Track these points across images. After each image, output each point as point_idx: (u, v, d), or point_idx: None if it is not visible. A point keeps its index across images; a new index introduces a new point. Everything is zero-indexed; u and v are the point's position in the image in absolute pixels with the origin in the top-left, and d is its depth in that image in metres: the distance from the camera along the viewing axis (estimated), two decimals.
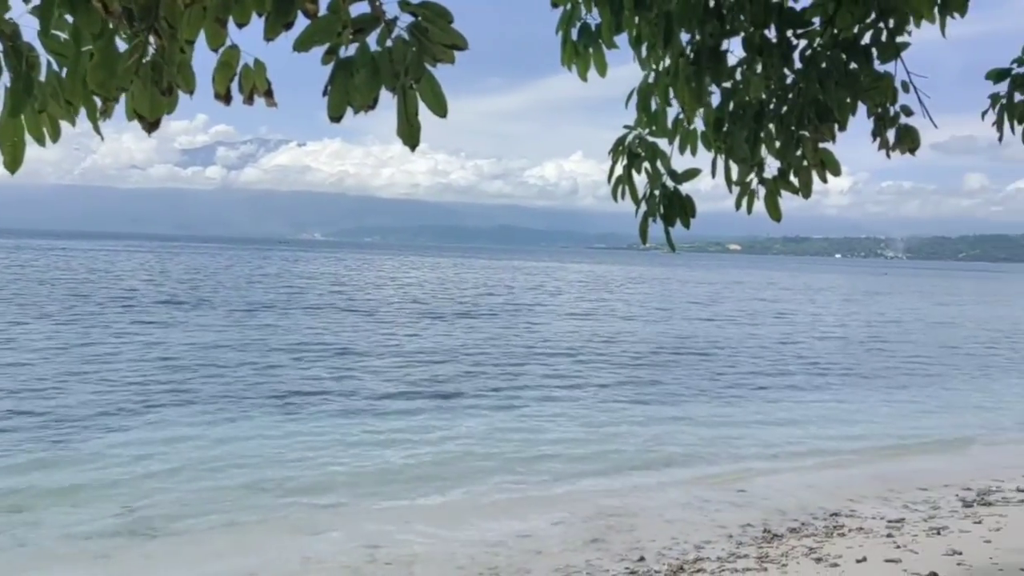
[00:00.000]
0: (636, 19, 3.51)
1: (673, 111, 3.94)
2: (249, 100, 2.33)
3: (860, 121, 3.95)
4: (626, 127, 3.80)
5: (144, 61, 2.13)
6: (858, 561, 8.01)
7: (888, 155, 3.69)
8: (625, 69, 3.95)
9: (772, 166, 3.98)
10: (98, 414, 14.47)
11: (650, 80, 3.83)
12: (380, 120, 2.57)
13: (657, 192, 3.71)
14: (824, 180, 3.90)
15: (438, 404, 16.48)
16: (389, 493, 10.71)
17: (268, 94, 2.36)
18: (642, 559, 8.27)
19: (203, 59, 2.55)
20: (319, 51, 2.40)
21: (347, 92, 2.33)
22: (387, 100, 2.57)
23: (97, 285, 46.28)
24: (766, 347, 28.65)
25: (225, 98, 2.31)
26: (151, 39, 2.12)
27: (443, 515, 9.90)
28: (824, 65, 3.54)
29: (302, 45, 2.29)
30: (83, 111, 2.71)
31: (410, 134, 2.46)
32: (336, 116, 2.32)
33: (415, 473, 11.62)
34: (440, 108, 2.50)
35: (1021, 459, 13.22)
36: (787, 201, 4.06)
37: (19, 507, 9.74)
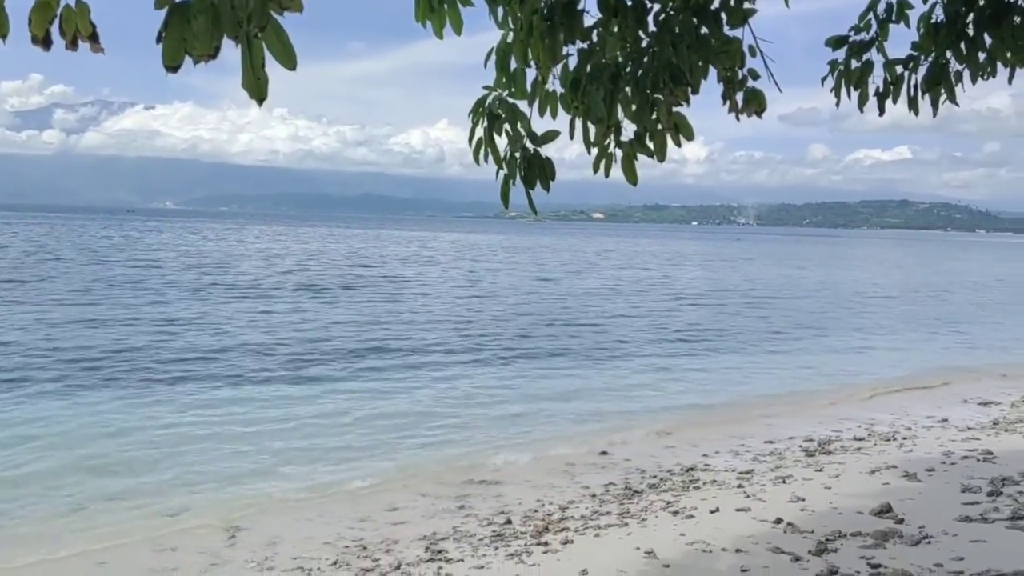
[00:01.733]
0: None
1: (533, 72, 3.93)
2: (72, 45, 2.13)
3: (715, 91, 4.05)
4: (486, 88, 3.76)
5: None
6: (712, 512, 8.43)
7: (737, 118, 3.82)
8: (490, 34, 3.91)
9: (628, 130, 4.05)
10: None
11: (508, 40, 3.79)
12: (236, 82, 2.41)
13: (517, 155, 3.70)
14: (678, 144, 4.00)
15: (306, 380, 16.08)
16: (251, 473, 10.38)
17: (93, 38, 2.16)
18: (508, 522, 8.40)
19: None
20: None
21: (184, 40, 2.18)
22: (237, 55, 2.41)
23: None
24: (635, 315, 29.50)
25: (44, 42, 2.10)
26: None
27: (309, 492, 9.70)
28: (677, 29, 3.61)
29: None
30: None
31: (257, 87, 2.33)
32: (172, 66, 2.16)
33: (280, 451, 11.31)
34: (288, 60, 2.37)
35: (858, 411, 14.25)
36: (647, 170, 4.14)
37: None
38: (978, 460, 10.30)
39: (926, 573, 6.45)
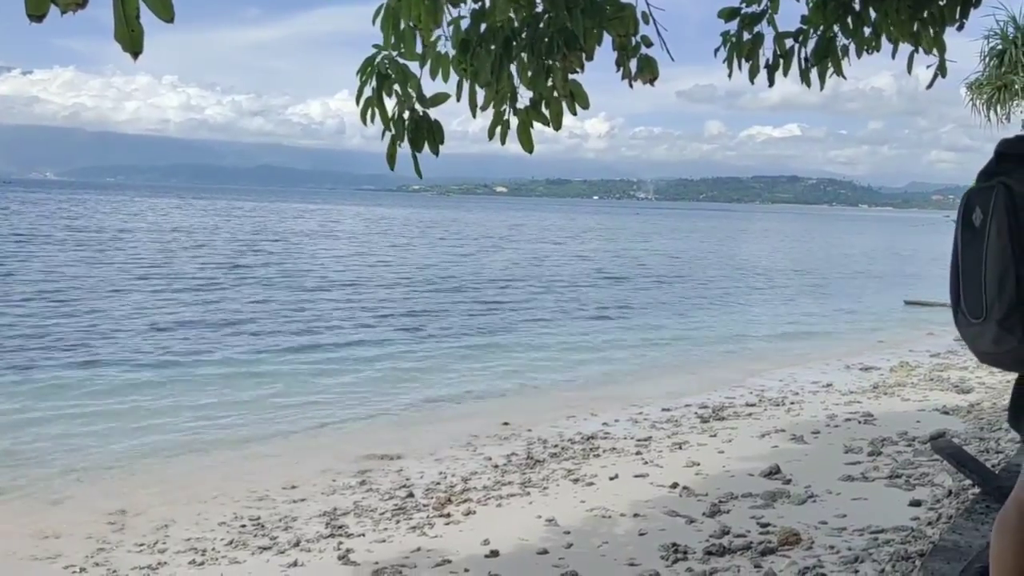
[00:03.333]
0: None
1: None
2: None
3: (613, 67, 4.05)
4: (375, 47, 3.63)
5: None
6: (611, 479, 8.59)
7: (631, 84, 3.82)
8: None
9: (524, 97, 4.00)
10: None
11: None
12: (115, 46, 2.22)
13: (406, 116, 3.60)
14: (573, 112, 3.97)
15: (202, 363, 15.48)
16: (140, 455, 9.97)
17: None
18: (411, 495, 8.34)
19: None
20: None
21: None
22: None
23: None
24: (542, 289, 29.63)
25: None
26: None
27: (202, 472, 9.39)
28: None
29: None
30: None
31: (131, 40, 2.15)
32: (36, 15, 1.97)
33: (172, 433, 10.90)
34: (164, 10, 2.19)
35: (751, 377, 14.76)
36: (549, 144, 4.14)
37: None
38: (859, 422, 10.82)
39: (811, 530, 6.74)
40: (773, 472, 8.39)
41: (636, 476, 8.68)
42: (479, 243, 55.70)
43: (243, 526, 7.58)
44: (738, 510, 7.37)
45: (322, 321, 20.12)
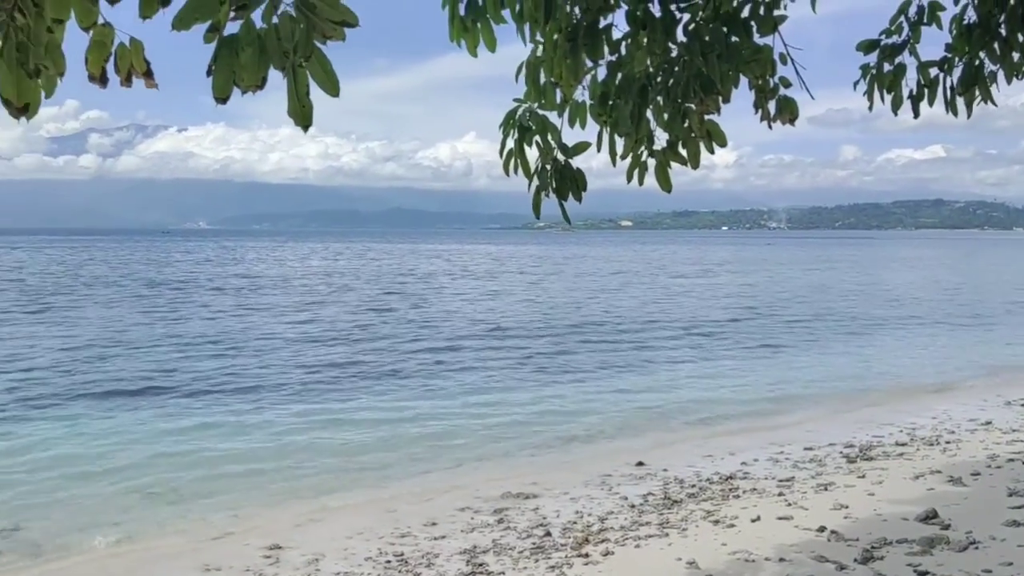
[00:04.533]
0: None
1: None
2: (127, 82, 2.21)
3: (744, 96, 4.08)
4: (516, 100, 3.81)
5: (8, 42, 1.99)
6: (753, 520, 8.36)
7: (770, 126, 3.84)
8: (518, 46, 3.95)
9: (661, 138, 4.08)
10: None
11: (538, 53, 3.84)
12: (267, 103, 2.49)
13: (548, 166, 3.74)
14: (711, 151, 4.02)
15: (344, 397, 16.21)
16: (291, 492, 10.49)
17: (148, 75, 2.24)
18: (548, 534, 8.39)
19: (75, 40, 2.39)
20: (201, 30, 2.30)
21: (233, 72, 2.25)
22: (276, 81, 2.49)
23: None
24: (677, 322, 29.29)
25: (100, 80, 2.19)
26: (15, 18, 1.98)
27: (348, 509, 9.77)
28: (707, 38, 3.63)
29: (181, 23, 2.18)
30: None
31: (302, 114, 2.40)
32: (222, 97, 2.23)
33: (319, 469, 11.42)
34: (332, 87, 2.44)
35: (899, 415, 14.04)
36: (675, 176, 4.17)
37: None
38: None
39: None
40: (930, 516, 7.95)
41: (780, 518, 8.42)
42: (610, 279, 55.41)
43: (388, 562, 7.83)
44: (893, 557, 7.02)
45: (459, 361, 20.51)
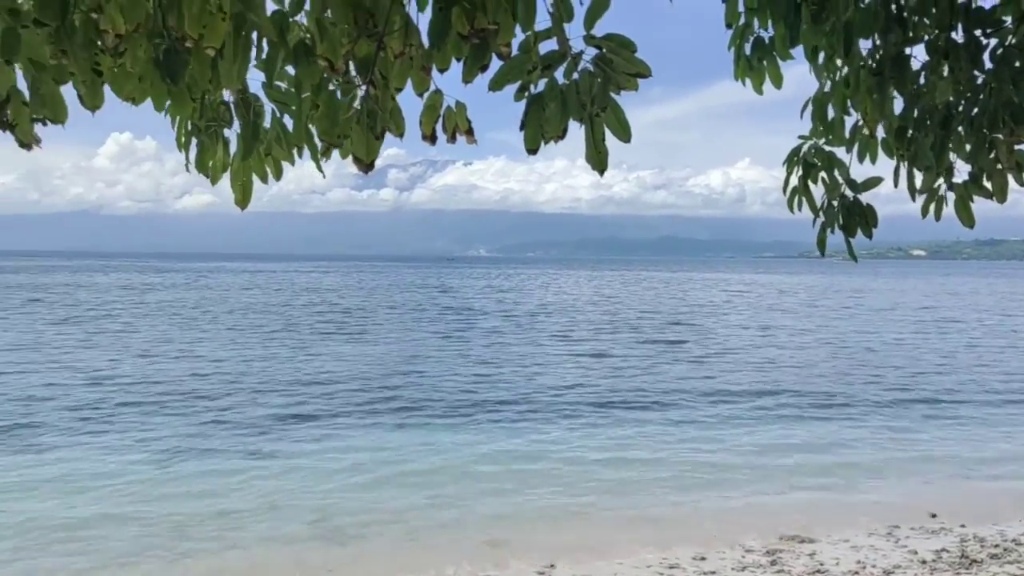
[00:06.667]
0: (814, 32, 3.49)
1: (851, 119, 3.89)
2: (452, 139, 2.55)
3: None
4: (801, 137, 3.79)
5: (362, 110, 2.40)
6: None
7: None
8: (791, 71, 3.91)
9: (962, 171, 3.84)
10: (295, 421, 15.61)
11: (826, 89, 3.79)
12: None
13: (835, 202, 3.67)
14: (1021, 183, 3.72)
15: (624, 422, 16.45)
16: (567, 511, 10.82)
17: (469, 132, 2.57)
18: None
19: (405, 103, 2.81)
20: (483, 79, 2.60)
21: (540, 125, 2.51)
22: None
23: (275, 304, 49.78)
24: (978, 364, 26.42)
25: (431, 138, 2.55)
26: (368, 90, 2.38)
27: (616, 534, 9.92)
28: (1017, 64, 3.38)
29: (497, 85, 2.49)
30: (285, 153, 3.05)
31: (598, 160, 2.61)
32: (532, 148, 2.50)
33: (593, 490, 11.71)
34: (624, 134, 2.63)
35: None
36: (977, 203, 3.90)
37: (226, 511, 10.63)
38: None
39: None
40: None
41: None
42: (915, 318, 49.35)
43: None
44: None
45: (737, 396, 19.91)
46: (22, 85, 2.30)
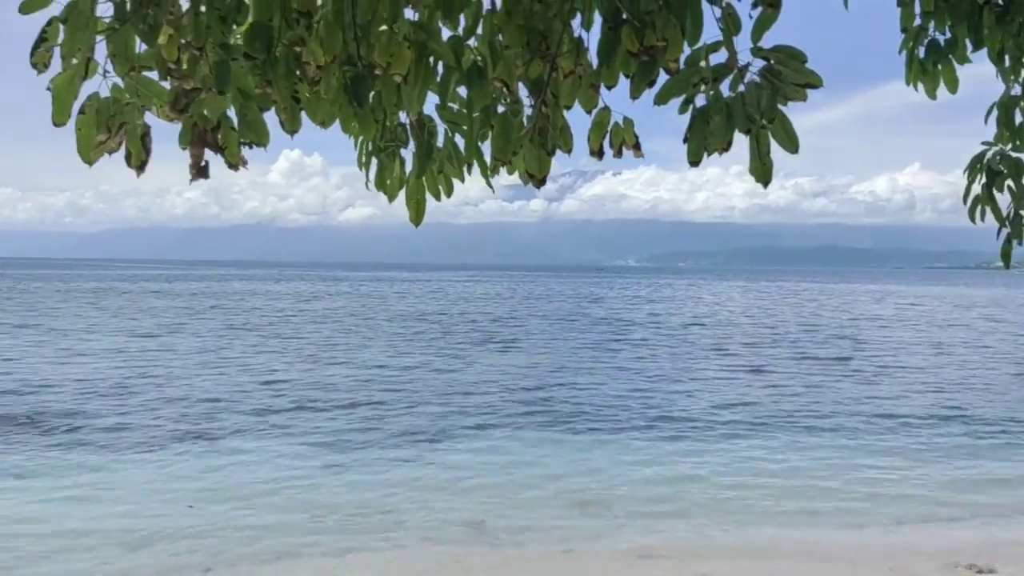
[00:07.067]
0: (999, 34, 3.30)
1: None
2: (619, 154, 2.62)
3: None
4: (985, 143, 3.59)
5: (534, 128, 2.51)
6: None
7: None
8: (964, 72, 3.70)
9: None
10: (452, 427, 16.12)
11: (1013, 93, 3.58)
12: None
13: (1023, 212, 3.46)
14: None
15: (793, 441, 15.82)
16: (726, 535, 10.59)
17: (636, 147, 2.63)
18: None
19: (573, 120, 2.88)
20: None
21: (704, 138, 2.54)
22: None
23: (440, 313, 51.37)
24: None
25: (598, 154, 2.63)
26: (539, 108, 2.48)
27: (774, 550, 9.62)
28: None
29: (662, 99, 2.53)
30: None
31: (763, 172, 2.60)
32: (695, 161, 2.53)
33: (746, 506, 11.42)
34: (792, 145, 2.61)
35: None
36: None
37: (387, 511, 11.11)
38: None
39: None
40: None
41: None
42: None
43: None
44: None
45: (908, 417, 18.60)
46: (230, 112, 2.57)
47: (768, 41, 2.57)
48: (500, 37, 2.66)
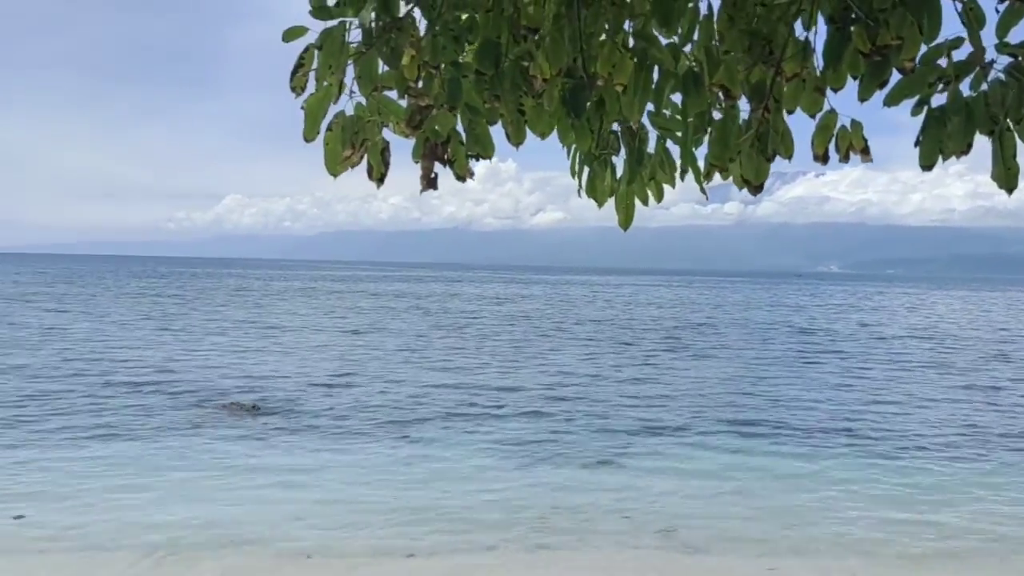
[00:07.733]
0: None
1: None
2: (845, 158, 2.53)
3: None
4: None
5: (753, 134, 2.48)
6: None
7: None
8: None
9: None
10: (640, 434, 16.02)
11: None
12: (905, 144, 2.58)
13: None
14: None
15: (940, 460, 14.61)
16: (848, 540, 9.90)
17: (864, 151, 2.54)
18: None
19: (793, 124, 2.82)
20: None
21: (939, 140, 2.40)
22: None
23: (628, 318, 51.10)
24: None
25: (823, 158, 2.55)
26: (760, 113, 2.45)
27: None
28: None
29: (893, 100, 2.42)
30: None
31: (1007, 178, 2.43)
32: (928, 165, 2.40)
33: (872, 522, 10.55)
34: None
35: None
36: None
37: (579, 511, 11.21)
38: None
39: None
40: None
41: None
42: None
43: None
44: None
45: None
46: (458, 127, 2.73)
47: (1015, 36, 2.40)
48: (715, 42, 2.65)
